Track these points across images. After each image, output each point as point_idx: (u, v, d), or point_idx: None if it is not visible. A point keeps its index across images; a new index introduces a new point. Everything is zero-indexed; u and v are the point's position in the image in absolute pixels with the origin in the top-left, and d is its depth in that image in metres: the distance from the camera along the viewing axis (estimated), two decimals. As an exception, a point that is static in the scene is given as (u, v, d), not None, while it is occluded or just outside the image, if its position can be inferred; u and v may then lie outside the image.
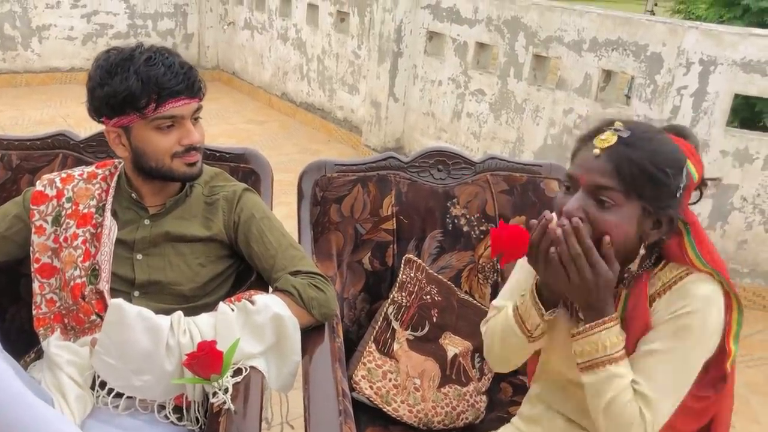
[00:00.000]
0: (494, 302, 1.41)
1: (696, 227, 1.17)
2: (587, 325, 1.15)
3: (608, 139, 1.11)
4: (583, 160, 1.13)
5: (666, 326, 1.15)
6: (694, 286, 1.15)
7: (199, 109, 1.46)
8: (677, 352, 1.14)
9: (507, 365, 1.38)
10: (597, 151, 1.11)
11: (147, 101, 1.37)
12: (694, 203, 1.19)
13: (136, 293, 1.47)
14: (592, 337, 1.14)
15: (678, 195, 1.12)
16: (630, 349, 1.17)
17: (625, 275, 1.20)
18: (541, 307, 1.20)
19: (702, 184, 1.19)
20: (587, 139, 1.16)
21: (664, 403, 1.14)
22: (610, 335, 1.14)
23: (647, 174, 1.08)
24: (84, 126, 5.19)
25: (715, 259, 1.16)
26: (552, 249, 1.10)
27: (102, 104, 1.41)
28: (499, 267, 1.85)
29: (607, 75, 3.63)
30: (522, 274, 1.38)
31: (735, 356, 1.20)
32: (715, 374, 1.21)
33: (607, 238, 1.09)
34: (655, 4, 11.81)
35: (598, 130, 1.15)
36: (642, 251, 1.16)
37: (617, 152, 1.09)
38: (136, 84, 1.36)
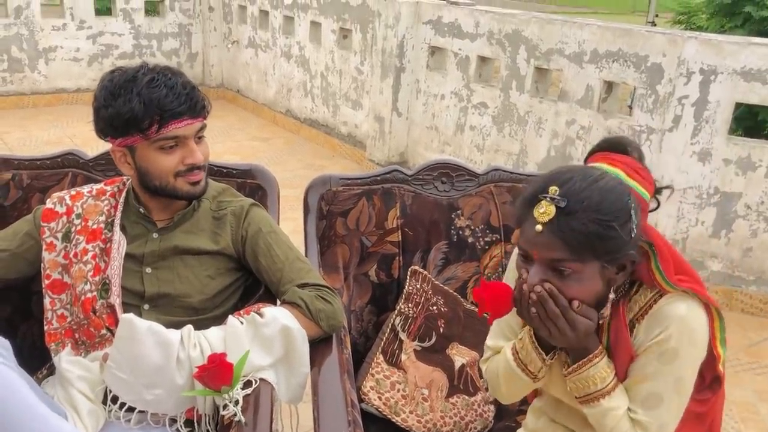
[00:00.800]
0: (487, 342, 1.43)
1: (659, 246, 1.17)
2: (575, 365, 1.20)
3: (547, 211, 1.09)
4: (530, 235, 1.12)
5: (650, 352, 1.17)
6: (669, 308, 1.16)
7: (203, 128, 1.48)
8: (667, 375, 1.16)
9: (516, 399, 1.42)
10: (539, 227, 1.10)
11: (150, 123, 1.39)
12: (654, 210, 1.20)
13: (146, 306, 1.49)
14: (582, 374, 1.19)
15: (633, 235, 1.11)
16: (621, 376, 1.21)
17: (601, 313, 1.20)
18: (542, 352, 1.23)
19: (657, 193, 1.19)
20: (527, 205, 1.13)
21: (658, 420, 1.17)
22: (598, 370, 1.18)
23: (595, 236, 1.08)
24: (91, 145, 5.22)
25: (686, 271, 1.18)
26: (533, 309, 1.13)
27: (107, 125, 1.44)
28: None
29: (609, 86, 3.66)
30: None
31: (725, 358, 1.22)
32: (710, 377, 1.23)
33: (575, 303, 1.12)
34: (656, 16, 11.85)
35: (534, 198, 1.12)
36: (612, 296, 1.17)
37: (559, 225, 1.08)
38: (138, 106, 1.38)
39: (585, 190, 1.09)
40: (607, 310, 1.18)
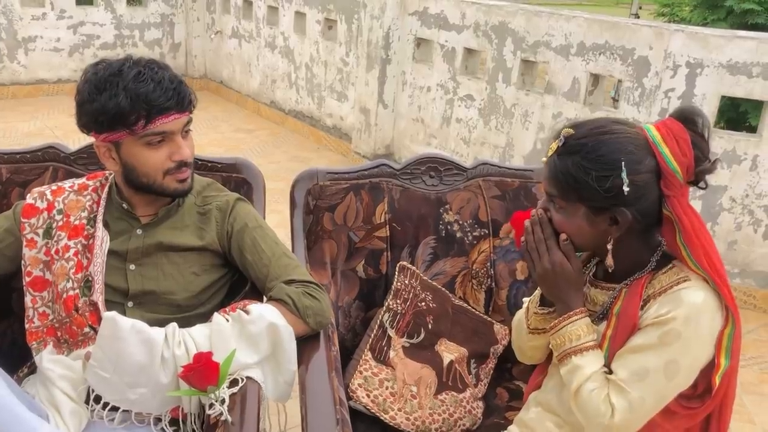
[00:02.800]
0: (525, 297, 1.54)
1: (684, 223, 1.16)
2: (558, 320, 1.26)
3: (551, 147, 1.21)
4: (544, 168, 1.24)
5: (654, 327, 1.16)
6: (686, 293, 1.16)
7: (189, 122, 1.45)
8: (661, 353, 1.15)
9: (523, 356, 1.49)
10: (543, 159, 1.24)
11: (136, 118, 1.36)
12: (704, 189, 1.19)
13: (130, 304, 1.46)
14: (561, 330, 1.25)
15: (624, 193, 1.13)
16: (619, 343, 1.21)
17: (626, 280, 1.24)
18: (537, 301, 1.36)
19: (700, 174, 1.16)
20: (551, 140, 1.24)
21: (637, 392, 1.15)
22: (576, 328, 1.24)
23: (572, 179, 1.17)
24: (72, 138, 5.16)
25: (713, 262, 1.16)
26: (522, 238, 1.28)
27: (91, 120, 1.39)
28: (493, 272, 1.85)
29: (595, 79, 3.66)
30: None
31: (723, 370, 1.18)
32: (702, 386, 1.20)
33: (563, 236, 1.23)
34: (640, 8, 11.89)
35: (557, 135, 1.22)
36: (609, 246, 1.20)
37: (553, 162, 1.20)
38: (125, 101, 1.34)
39: (587, 137, 1.17)
40: (609, 260, 1.21)
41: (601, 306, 1.28)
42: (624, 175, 1.13)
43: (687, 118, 1.16)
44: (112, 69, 1.38)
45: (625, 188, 1.13)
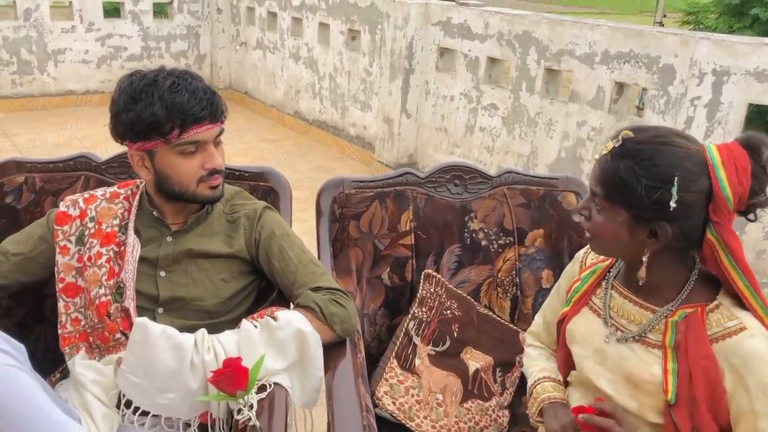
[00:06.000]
0: (530, 329, 1.57)
1: (730, 244, 1.13)
2: None
3: (606, 147, 1.18)
4: (594, 165, 1.22)
5: (751, 392, 1.12)
6: (750, 343, 1.12)
7: (221, 132, 1.48)
8: None
9: None
10: (596, 156, 1.20)
11: (171, 127, 1.39)
12: (752, 221, 1.15)
13: (160, 310, 1.49)
14: None
15: (670, 208, 1.09)
16: (685, 382, 1.17)
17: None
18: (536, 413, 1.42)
19: (751, 206, 1.12)
20: (609, 139, 1.22)
21: None
22: None
23: (621, 183, 1.13)
24: (100, 147, 5.25)
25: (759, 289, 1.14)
26: None
27: (126, 129, 1.43)
28: (518, 281, 1.85)
29: (620, 87, 3.64)
30: (555, 300, 1.48)
31: None
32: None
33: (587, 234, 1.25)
34: (664, 16, 11.80)
35: (615, 135, 1.19)
36: (645, 259, 1.18)
37: (605, 162, 1.17)
38: (160, 110, 1.38)
39: (646, 143, 1.14)
40: (642, 272, 1.19)
41: (638, 327, 1.24)
42: (674, 190, 1.09)
43: (752, 146, 1.11)
44: (148, 79, 1.41)
45: (672, 204, 1.09)
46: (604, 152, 1.17)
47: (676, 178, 1.09)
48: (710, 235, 1.13)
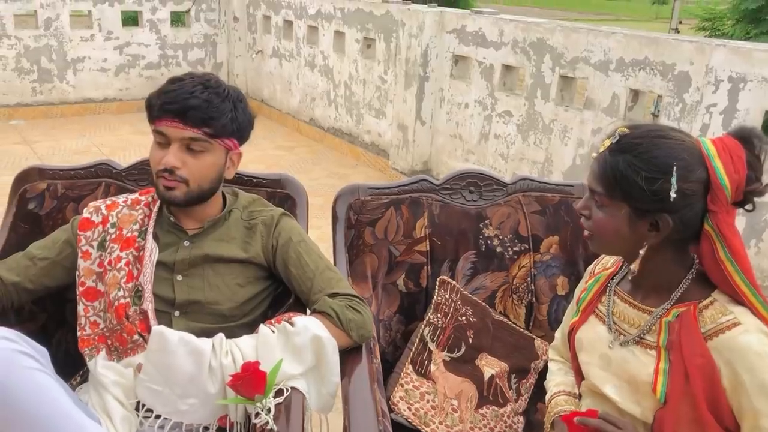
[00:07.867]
0: (552, 344, 1.61)
1: (728, 238, 1.14)
2: None
3: (603, 145, 1.20)
4: (592, 164, 1.23)
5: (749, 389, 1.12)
6: (743, 339, 1.12)
7: (194, 139, 1.46)
8: None
9: None
10: (594, 155, 1.22)
11: (150, 111, 1.48)
12: (750, 211, 1.16)
13: (176, 313, 1.51)
14: None
15: (670, 198, 1.11)
16: (679, 381, 1.17)
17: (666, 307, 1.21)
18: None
19: (749, 194, 1.14)
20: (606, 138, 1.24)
21: None
22: None
23: (621, 177, 1.15)
24: (118, 155, 5.31)
25: (755, 283, 1.15)
26: None
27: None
28: (533, 287, 1.85)
29: (635, 94, 3.63)
30: (570, 314, 1.50)
31: None
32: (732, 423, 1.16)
33: (586, 233, 1.26)
34: (680, 22, 11.76)
35: (612, 133, 1.21)
36: (641, 252, 1.19)
37: (603, 158, 1.19)
38: (154, 94, 1.48)
39: (643, 137, 1.16)
40: (636, 265, 1.21)
41: (638, 329, 1.25)
42: (674, 180, 1.11)
43: (745, 137, 1.15)
44: (176, 77, 1.52)
45: (672, 194, 1.11)
46: (602, 149, 1.19)
47: (675, 168, 1.11)
48: (707, 227, 1.14)
